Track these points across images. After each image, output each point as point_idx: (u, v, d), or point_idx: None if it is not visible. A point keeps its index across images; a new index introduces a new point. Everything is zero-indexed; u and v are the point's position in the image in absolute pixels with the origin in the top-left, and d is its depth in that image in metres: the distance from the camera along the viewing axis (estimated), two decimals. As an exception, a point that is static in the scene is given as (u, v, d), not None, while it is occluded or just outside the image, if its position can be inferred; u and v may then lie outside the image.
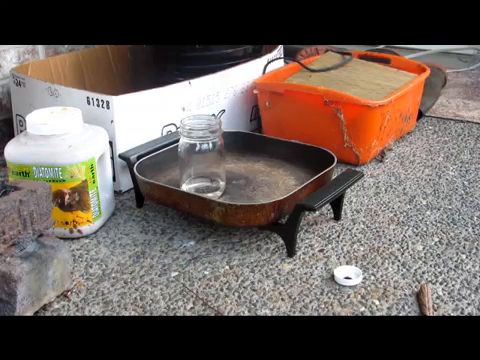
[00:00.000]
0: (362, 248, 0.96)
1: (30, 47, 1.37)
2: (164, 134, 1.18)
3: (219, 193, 1.03)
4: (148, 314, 0.81)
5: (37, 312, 0.81)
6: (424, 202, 1.09)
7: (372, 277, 0.88)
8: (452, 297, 0.84)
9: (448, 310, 0.81)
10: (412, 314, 0.81)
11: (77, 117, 0.97)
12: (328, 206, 1.05)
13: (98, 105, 1.08)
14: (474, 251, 0.94)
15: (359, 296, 0.84)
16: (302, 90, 1.24)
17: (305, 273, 0.90)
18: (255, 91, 1.31)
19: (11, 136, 1.19)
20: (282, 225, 0.95)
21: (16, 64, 1.34)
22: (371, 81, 1.31)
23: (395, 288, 0.86)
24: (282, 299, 0.84)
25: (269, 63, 1.37)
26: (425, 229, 1.00)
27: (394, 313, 0.81)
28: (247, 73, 1.33)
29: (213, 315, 0.81)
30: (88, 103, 1.08)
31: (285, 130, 1.29)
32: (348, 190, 1.13)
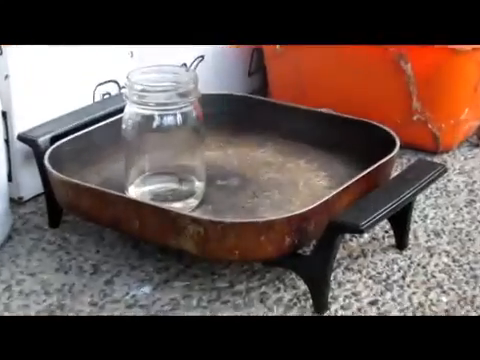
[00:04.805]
0: (445, 299, 0.88)
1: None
2: (97, 99, 1.13)
3: (195, 201, 0.93)
4: None
5: None
6: None
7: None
8: None
9: None
10: None
11: None
12: (385, 226, 0.98)
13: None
14: None
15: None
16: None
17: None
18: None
19: None
20: (305, 258, 0.87)
21: None
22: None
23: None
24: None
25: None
26: None
27: None
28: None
29: None
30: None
31: (309, 92, 1.23)
32: (420, 197, 1.05)
